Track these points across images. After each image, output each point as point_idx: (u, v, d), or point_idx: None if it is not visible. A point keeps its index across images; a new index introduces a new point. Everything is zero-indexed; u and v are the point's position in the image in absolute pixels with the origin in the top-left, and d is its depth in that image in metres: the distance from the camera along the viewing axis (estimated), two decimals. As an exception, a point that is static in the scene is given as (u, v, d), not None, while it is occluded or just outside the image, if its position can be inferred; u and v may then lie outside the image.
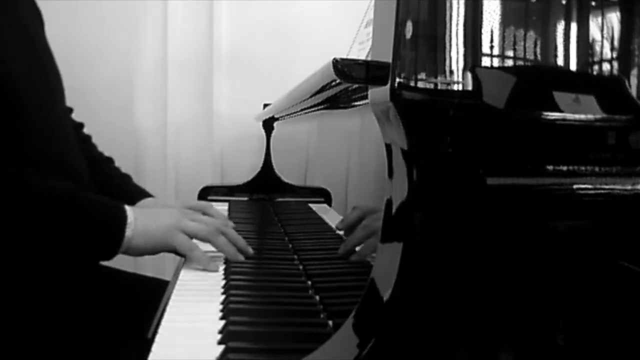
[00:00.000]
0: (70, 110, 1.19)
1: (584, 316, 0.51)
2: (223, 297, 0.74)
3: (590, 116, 0.51)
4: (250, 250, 0.94)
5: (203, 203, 1.13)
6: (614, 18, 0.52)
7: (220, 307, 0.71)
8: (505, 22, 0.50)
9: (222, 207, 1.36)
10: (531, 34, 0.50)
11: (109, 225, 0.88)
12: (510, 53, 0.50)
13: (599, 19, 0.52)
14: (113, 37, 1.76)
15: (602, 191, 0.52)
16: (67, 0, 1.70)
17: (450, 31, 0.49)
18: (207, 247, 0.93)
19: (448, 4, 0.49)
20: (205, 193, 1.56)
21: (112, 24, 1.75)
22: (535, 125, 0.51)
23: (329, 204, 1.52)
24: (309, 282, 0.80)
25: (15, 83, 0.92)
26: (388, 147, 0.53)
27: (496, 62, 0.50)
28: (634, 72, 0.53)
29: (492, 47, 0.50)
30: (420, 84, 0.48)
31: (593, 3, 0.52)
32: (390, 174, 0.52)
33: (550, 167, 0.51)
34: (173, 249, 0.90)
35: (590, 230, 0.52)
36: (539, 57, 0.51)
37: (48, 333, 0.88)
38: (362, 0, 1.11)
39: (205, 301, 0.74)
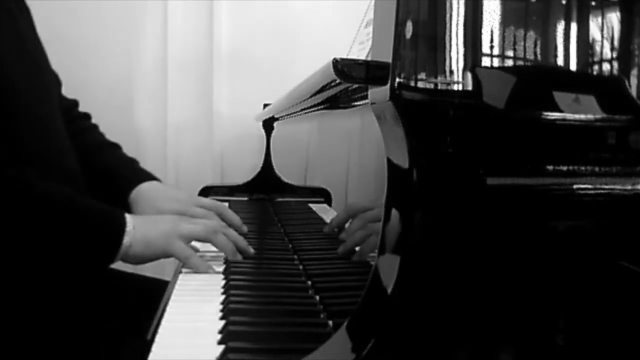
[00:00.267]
0: (76, 103, 1.19)
1: (584, 316, 0.51)
2: (223, 297, 0.74)
3: (590, 116, 0.51)
4: (251, 250, 0.94)
5: (217, 204, 1.11)
6: (614, 18, 0.52)
7: (220, 307, 0.71)
8: (505, 22, 0.50)
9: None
10: (531, 34, 0.50)
11: (106, 232, 0.88)
12: (510, 53, 0.50)
13: (599, 19, 0.52)
14: (113, 37, 1.76)
15: (602, 191, 0.52)
16: (67, 0, 1.70)
17: (450, 31, 0.49)
18: (207, 247, 0.93)
19: (448, 4, 0.49)
20: (205, 193, 1.55)
21: (112, 24, 1.75)
22: (535, 125, 0.51)
23: (329, 204, 1.52)
24: (309, 282, 0.80)
25: (6, 83, 0.92)
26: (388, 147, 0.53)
27: (496, 62, 0.50)
28: (634, 72, 0.53)
29: (492, 47, 0.50)
30: (420, 84, 0.49)
31: (593, 3, 0.52)
32: (390, 173, 0.52)
33: (550, 167, 0.51)
34: (172, 256, 0.91)
35: (590, 230, 0.52)
36: (539, 57, 0.51)
37: (48, 333, 0.88)
38: (362, 0, 1.11)
39: (205, 301, 0.74)
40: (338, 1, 1.70)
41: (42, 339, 0.87)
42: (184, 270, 0.89)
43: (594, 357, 0.52)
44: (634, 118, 0.53)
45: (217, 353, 0.58)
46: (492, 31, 0.50)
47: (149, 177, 1.13)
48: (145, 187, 1.10)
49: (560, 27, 0.51)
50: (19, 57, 0.96)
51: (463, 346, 0.49)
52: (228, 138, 1.80)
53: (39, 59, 1.04)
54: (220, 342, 0.60)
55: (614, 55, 0.52)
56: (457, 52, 0.49)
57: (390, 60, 0.48)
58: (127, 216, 0.90)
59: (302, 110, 1.16)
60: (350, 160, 1.28)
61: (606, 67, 0.53)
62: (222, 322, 0.65)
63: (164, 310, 0.71)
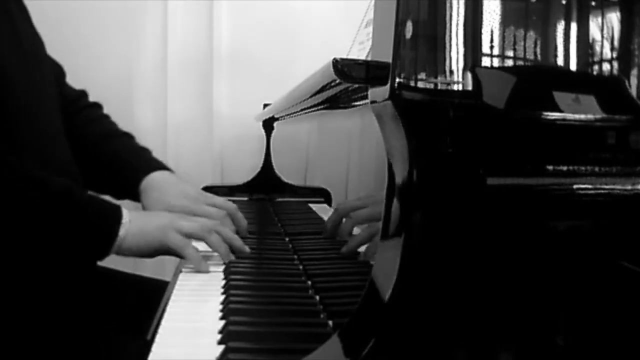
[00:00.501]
0: (84, 93, 1.19)
1: (584, 316, 0.51)
2: (223, 297, 0.74)
3: (590, 116, 0.51)
4: (247, 249, 0.94)
5: (229, 204, 1.10)
6: (614, 18, 0.52)
7: (220, 307, 0.71)
8: (505, 22, 0.50)
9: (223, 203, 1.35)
10: (531, 34, 0.50)
11: (102, 223, 0.88)
12: (510, 53, 0.50)
13: (599, 19, 0.52)
14: (113, 37, 1.76)
15: (602, 191, 0.52)
16: (67, 0, 1.70)
17: (450, 31, 0.49)
18: (206, 247, 0.93)
19: (448, 4, 0.49)
20: (205, 193, 1.55)
21: (112, 24, 1.75)
22: (535, 125, 0.50)
23: (329, 204, 1.52)
24: (309, 282, 0.80)
25: (2, 79, 0.92)
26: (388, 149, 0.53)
27: (496, 62, 0.50)
28: (634, 72, 0.53)
29: (492, 47, 0.50)
30: (420, 84, 0.48)
31: (593, 3, 0.52)
32: (390, 174, 0.52)
33: (550, 167, 0.51)
34: (167, 248, 0.90)
35: (590, 230, 0.52)
36: (539, 57, 0.51)
37: (48, 334, 0.88)
38: (362, 0, 1.11)
39: (205, 301, 0.74)
40: (338, 1, 1.70)
41: (43, 339, 0.87)
42: (183, 270, 0.88)
43: (594, 357, 0.52)
44: (634, 118, 0.53)
45: (217, 353, 0.58)
46: (492, 31, 0.50)
47: (160, 166, 1.12)
48: (156, 177, 1.09)
49: (560, 27, 0.51)
50: (12, 48, 0.95)
51: (463, 346, 0.49)
52: (228, 138, 1.80)
53: (35, 51, 1.03)
54: (220, 342, 0.60)
55: (614, 55, 0.52)
56: (457, 52, 0.49)
57: (390, 60, 0.48)
58: (124, 209, 0.90)
59: (302, 110, 1.16)
60: (350, 160, 1.28)
61: (606, 67, 0.53)
62: (222, 322, 0.65)
63: (164, 310, 0.71)
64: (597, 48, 0.52)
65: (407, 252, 0.48)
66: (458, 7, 0.49)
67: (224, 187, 1.59)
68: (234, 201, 1.13)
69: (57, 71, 1.15)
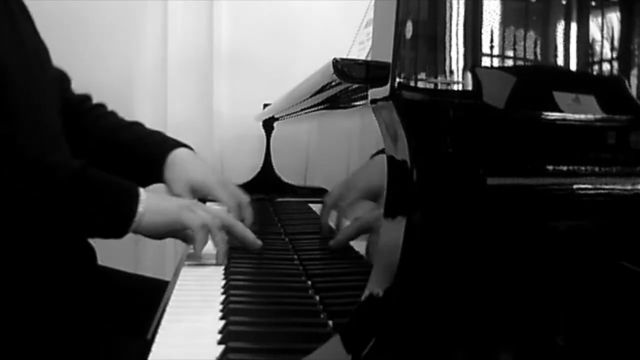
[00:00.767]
0: (87, 97, 1.20)
1: (584, 316, 0.51)
2: (223, 297, 0.74)
3: (590, 116, 0.51)
4: (259, 243, 0.95)
5: (240, 194, 1.14)
6: (614, 18, 0.52)
7: (220, 307, 0.71)
8: (505, 22, 0.50)
9: (222, 207, 1.35)
10: (531, 34, 0.51)
11: (121, 200, 0.89)
12: (510, 53, 0.50)
13: (599, 19, 0.52)
14: (113, 37, 1.76)
15: (602, 191, 0.52)
16: (67, 0, 1.70)
17: (450, 31, 0.49)
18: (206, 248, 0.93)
19: (448, 4, 0.49)
20: (205, 193, 1.55)
21: (113, 24, 1.75)
22: (535, 125, 0.51)
23: (329, 204, 1.52)
24: (309, 282, 0.80)
25: (2, 79, 0.92)
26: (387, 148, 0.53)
27: (496, 62, 0.50)
28: (634, 72, 0.53)
29: (492, 47, 0.50)
30: (420, 84, 0.49)
31: (593, 3, 0.52)
32: (390, 174, 0.52)
33: (550, 167, 0.51)
34: (182, 225, 0.91)
35: (590, 230, 0.52)
36: (539, 57, 0.51)
37: (48, 333, 0.88)
38: (362, 0, 1.11)
39: (205, 301, 0.74)
40: (338, 1, 1.71)
41: (43, 339, 0.87)
42: (184, 269, 0.89)
43: (594, 357, 0.52)
44: (634, 118, 0.53)
45: (217, 353, 0.58)
46: (492, 31, 0.50)
47: (180, 144, 1.17)
48: (179, 153, 1.14)
49: (560, 27, 0.51)
50: (12, 48, 0.95)
51: (463, 346, 0.49)
52: (228, 138, 1.80)
53: (37, 52, 1.04)
54: (220, 342, 0.60)
55: (614, 55, 0.52)
56: (457, 52, 0.49)
57: (390, 60, 0.48)
58: (140, 188, 0.91)
59: (302, 110, 1.16)
60: (350, 160, 1.28)
61: (606, 67, 0.53)
62: (222, 322, 0.65)
63: (164, 310, 0.71)
64: (597, 48, 0.52)
65: (407, 252, 0.48)
66: (458, 7, 0.49)
67: (224, 187, 1.58)
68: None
69: (62, 77, 1.16)
